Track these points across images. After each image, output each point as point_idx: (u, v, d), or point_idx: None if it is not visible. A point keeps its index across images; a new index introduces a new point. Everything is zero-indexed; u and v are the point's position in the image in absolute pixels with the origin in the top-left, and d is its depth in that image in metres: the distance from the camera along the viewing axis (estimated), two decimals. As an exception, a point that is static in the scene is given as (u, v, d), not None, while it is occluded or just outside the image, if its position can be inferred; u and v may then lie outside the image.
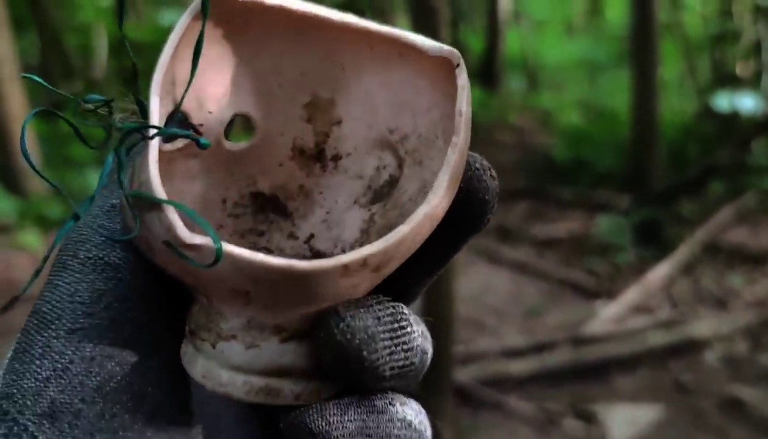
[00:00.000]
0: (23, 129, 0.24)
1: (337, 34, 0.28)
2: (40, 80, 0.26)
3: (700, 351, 2.52)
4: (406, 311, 0.26)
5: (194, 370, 0.26)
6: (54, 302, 0.26)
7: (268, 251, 0.30)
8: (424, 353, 0.26)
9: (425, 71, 0.27)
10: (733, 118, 4.42)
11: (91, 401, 0.25)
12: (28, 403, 0.24)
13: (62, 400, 0.24)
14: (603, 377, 2.39)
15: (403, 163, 0.29)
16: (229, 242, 0.29)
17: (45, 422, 0.24)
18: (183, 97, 0.26)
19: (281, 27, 0.29)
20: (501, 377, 2.37)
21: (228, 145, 0.30)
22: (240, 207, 0.30)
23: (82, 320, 0.25)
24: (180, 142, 0.28)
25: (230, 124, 0.30)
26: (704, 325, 2.65)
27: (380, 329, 0.25)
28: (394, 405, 0.26)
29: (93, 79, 5.32)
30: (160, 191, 0.23)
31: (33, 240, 3.24)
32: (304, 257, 0.30)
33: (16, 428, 0.24)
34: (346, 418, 0.25)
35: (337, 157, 0.30)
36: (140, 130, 0.25)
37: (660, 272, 3.03)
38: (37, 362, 0.25)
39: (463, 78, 0.26)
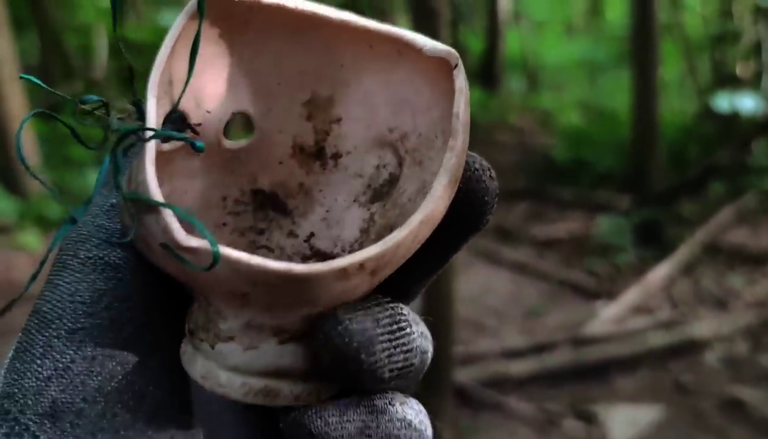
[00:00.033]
0: (19, 132, 0.24)
1: (337, 33, 0.28)
2: (37, 81, 0.26)
3: (701, 352, 2.52)
4: (405, 311, 0.26)
5: (193, 370, 0.26)
6: (54, 302, 0.26)
7: (268, 249, 0.30)
8: (424, 353, 0.26)
9: (424, 71, 0.27)
10: (733, 118, 4.42)
11: (92, 400, 0.25)
12: (30, 402, 0.24)
13: (63, 399, 0.24)
14: (603, 377, 2.39)
15: (403, 162, 0.29)
16: (229, 239, 0.30)
17: (46, 421, 0.24)
18: (180, 97, 0.26)
19: (280, 25, 0.28)
20: (501, 378, 2.37)
21: (228, 143, 0.30)
22: (240, 205, 0.30)
23: (83, 320, 0.25)
24: (182, 135, 0.28)
25: (229, 122, 0.30)
26: (704, 325, 2.65)
27: (378, 331, 0.25)
28: (393, 405, 0.26)
29: (93, 80, 5.32)
30: (156, 193, 0.23)
31: (33, 240, 3.24)
32: (304, 256, 0.30)
33: (17, 427, 0.24)
34: (345, 418, 0.25)
35: (337, 156, 0.30)
36: (136, 132, 0.25)
37: (660, 272, 3.03)
38: (38, 361, 0.25)
39: (460, 80, 0.26)
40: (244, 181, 0.30)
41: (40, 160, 3.62)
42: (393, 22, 0.28)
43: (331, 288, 0.24)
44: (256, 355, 0.25)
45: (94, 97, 0.25)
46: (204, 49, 0.27)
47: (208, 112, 0.29)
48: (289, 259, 0.30)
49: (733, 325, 2.66)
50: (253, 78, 0.29)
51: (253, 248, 0.30)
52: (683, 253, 3.20)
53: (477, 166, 0.27)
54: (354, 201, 0.30)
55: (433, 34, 0.28)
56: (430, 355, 0.27)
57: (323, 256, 0.30)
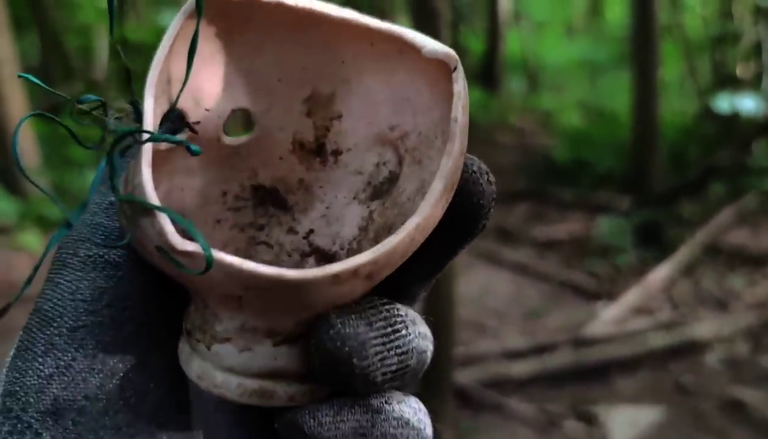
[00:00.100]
0: (15, 135, 0.24)
1: (337, 30, 0.28)
2: (36, 80, 0.26)
3: (701, 353, 2.52)
4: (402, 312, 0.26)
5: (190, 370, 0.26)
6: (55, 300, 0.26)
7: (267, 245, 0.30)
8: (422, 353, 0.26)
9: (424, 71, 0.27)
10: (733, 119, 4.43)
11: (94, 398, 0.25)
12: (31, 400, 0.24)
13: (65, 397, 0.24)
14: (604, 378, 2.39)
15: (403, 160, 0.29)
16: (228, 235, 0.30)
17: (48, 419, 0.24)
18: (178, 97, 0.26)
19: (280, 23, 0.28)
20: (502, 379, 2.37)
21: (228, 140, 0.30)
22: (241, 200, 0.30)
23: (84, 318, 0.25)
24: (178, 138, 0.28)
25: (229, 119, 0.30)
26: (705, 326, 2.65)
27: (372, 335, 0.24)
28: (390, 404, 0.26)
29: (93, 81, 5.32)
30: (152, 197, 0.23)
31: (33, 241, 3.24)
32: (303, 253, 0.30)
33: (19, 425, 0.24)
34: (339, 418, 0.25)
35: (337, 152, 0.30)
36: (133, 134, 0.25)
37: (660, 273, 3.03)
38: (40, 359, 0.25)
39: (459, 83, 0.25)
40: (244, 176, 0.30)
41: (40, 161, 3.62)
42: (393, 23, 0.28)
43: (324, 293, 0.24)
44: (251, 356, 0.25)
45: (92, 97, 0.25)
46: (203, 48, 0.27)
47: (207, 110, 0.29)
48: (289, 255, 0.30)
49: (733, 326, 2.66)
50: (254, 75, 0.29)
51: (252, 244, 0.30)
52: (683, 254, 3.20)
53: (475, 168, 0.27)
54: (354, 198, 0.30)
55: (434, 35, 0.28)
56: (429, 354, 0.27)
57: (322, 253, 0.30)
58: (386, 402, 0.26)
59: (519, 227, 3.78)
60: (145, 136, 0.24)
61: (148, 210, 0.23)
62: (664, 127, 4.11)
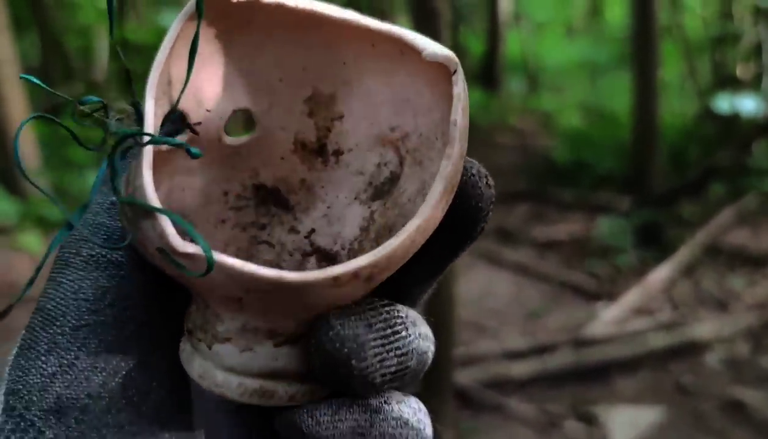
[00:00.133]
0: (16, 137, 0.25)
1: (338, 31, 0.28)
2: (37, 81, 0.26)
3: (701, 353, 2.52)
4: (402, 314, 0.26)
5: (191, 369, 0.26)
6: (58, 300, 0.26)
7: (269, 244, 0.30)
8: (422, 354, 0.26)
9: (425, 72, 0.27)
10: (733, 120, 4.42)
11: (96, 396, 0.25)
12: (34, 399, 0.24)
13: (68, 395, 0.24)
14: (604, 379, 2.39)
15: (404, 161, 0.29)
16: (230, 235, 0.30)
17: (51, 417, 0.24)
18: (179, 98, 0.26)
19: (281, 24, 0.29)
20: (502, 379, 2.36)
21: (229, 140, 0.30)
22: (243, 200, 0.31)
23: (86, 317, 0.25)
24: (180, 138, 0.28)
25: (230, 119, 0.30)
26: (705, 327, 2.65)
27: (371, 336, 0.25)
28: (389, 404, 0.26)
29: (94, 81, 5.33)
30: (153, 198, 0.23)
31: (33, 241, 3.24)
32: (304, 252, 0.30)
33: (23, 423, 0.24)
34: (338, 417, 0.25)
35: (338, 153, 0.30)
36: (134, 136, 0.25)
37: (661, 273, 3.03)
38: (43, 358, 0.25)
39: (458, 86, 0.25)
40: (245, 176, 0.31)
41: (41, 162, 3.62)
42: (393, 23, 0.28)
43: (324, 295, 0.24)
44: (251, 357, 0.25)
45: (94, 99, 0.26)
46: (203, 49, 0.27)
47: (208, 110, 0.29)
48: (290, 255, 0.30)
49: (733, 326, 2.66)
50: (255, 75, 0.30)
51: (254, 243, 0.30)
52: (684, 254, 3.20)
53: (474, 171, 0.27)
54: (355, 198, 0.30)
55: (434, 36, 0.28)
56: (430, 355, 0.27)
57: (323, 253, 0.30)
58: (385, 402, 0.26)
59: (519, 227, 3.78)
60: (146, 138, 0.24)
61: (149, 212, 0.23)
62: (665, 127, 4.11)
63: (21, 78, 0.27)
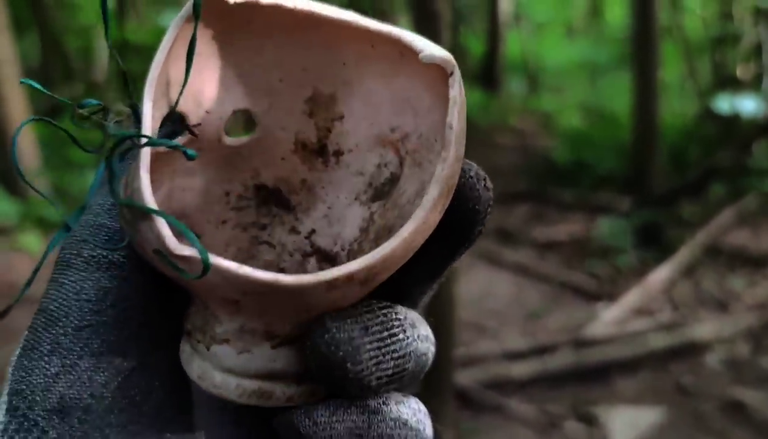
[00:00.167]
0: (14, 139, 0.25)
1: (337, 32, 0.28)
2: (38, 86, 0.26)
3: (702, 354, 2.52)
4: (401, 316, 0.26)
5: (191, 369, 0.26)
6: (60, 300, 0.26)
7: (269, 245, 0.30)
8: (421, 355, 0.26)
9: (424, 74, 0.27)
10: (733, 120, 4.42)
11: (99, 396, 0.25)
12: (38, 399, 0.24)
13: (71, 395, 0.25)
14: (604, 379, 2.39)
15: (404, 162, 0.29)
16: (231, 235, 0.30)
17: (55, 417, 0.24)
18: (178, 99, 0.26)
19: (280, 24, 0.29)
20: (502, 380, 2.36)
21: (229, 140, 0.30)
22: (244, 200, 0.31)
23: (89, 317, 0.26)
24: (180, 140, 0.28)
25: (231, 119, 0.30)
26: (705, 327, 2.65)
27: (367, 339, 0.25)
28: (388, 405, 0.26)
29: (94, 82, 5.33)
30: (150, 201, 0.23)
31: (33, 242, 3.24)
32: (304, 253, 0.30)
33: (26, 423, 0.24)
34: (335, 418, 0.25)
35: (338, 153, 0.30)
36: (131, 138, 0.25)
37: (661, 274, 3.03)
38: (46, 358, 0.25)
39: (455, 89, 0.25)
40: (246, 176, 0.31)
41: (41, 162, 3.62)
42: (394, 24, 0.28)
43: (320, 298, 0.24)
44: (249, 358, 0.26)
45: (93, 102, 0.26)
46: (203, 50, 0.27)
47: (207, 111, 0.29)
48: (290, 255, 0.30)
49: (733, 327, 2.66)
50: (255, 76, 0.30)
51: (255, 244, 0.30)
52: (684, 255, 3.20)
53: (472, 174, 0.27)
54: (355, 199, 0.30)
55: (434, 36, 0.28)
56: (431, 356, 0.27)
57: (323, 254, 0.30)
58: (384, 403, 0.26)
59: (519, 228, 3.78)
60: (144, 140, 0.24)
61: (147, 214, 0.23)
62: (665, 128, 4.11)
63: (21, 82, 0.27)
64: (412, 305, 0.29)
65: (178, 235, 0.23)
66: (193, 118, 0.28)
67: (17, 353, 0.26)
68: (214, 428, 0.29)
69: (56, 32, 5.20)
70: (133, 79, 0.26)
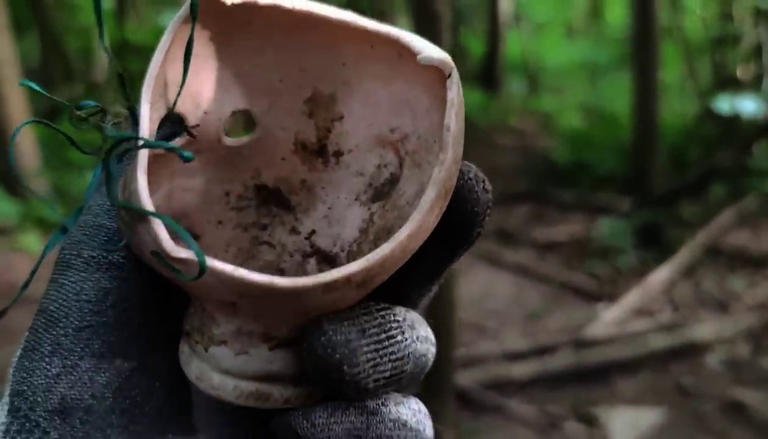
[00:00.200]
0: (12, 142, 0.25)
1: (336, 32, 0.28)
2: (37, 88, 0.26)
3: (702, 354, 2.52)
4: (399, 317, 0.26)
5: (189, 370, 0.26)
6: (61, 301, 0.26)
7: (269, 245, 0.30)
8: (420, 357, 0.26)
9: (422, 75, 0.27)
10: (733, 121, 4.42)
11: (101, 396, 0.25)
12: (39, 399, 0.24)
13: (73, 396, 0.25)
14: (604, 380, 2.39)
15: (404, 163, 0.29)
16: (231, 235, 0.30)
17: (56, 418, 0.24)
18: (176, 101, 0.26)
19: (279, 25, 0.28)
20: (502, 381, 2.36)
21: (229, 140, 0.30)
22: (244, 200, 0.31)
23: (89, 318, 0.26)
24: (179, 141, 0.28)
25: (230, 120, 0.30)
26: (705, 328, 2.65)
27: (364, 341, 0.24)
28: (387, 406, 0.26)
29: (94, 82, 5.33)
30: (147, 203, 0.23)
31: (33, 242, 3.24)
32: (304, 253, 0.30)
33: (27, 424, 0.24)
34: (333, 420, 0.25)
35: (338, 153, 0.30)
36: (129, 139, 0.25)
37: (661, 274, 3.03)
38: (47, 359, 0.25)
39: (453, 91, 0.25)
40: (247, 176, 0.31)
41: (41, 163, 3.62)
42: (393, 24, 0.28)
43: (317, 300, 0.24)
44: (246, 360, 0.26)
45: (91, 103, 0.26)
46: (201, 51, 0.27)
47: (206, 112, 0.29)
48: (290, 256, 0.30)
49: (734, 327, 2.66)
50: (254, 76, 0.30)
51: (255, 244, 0.30)
52: (684, 255, 3.20)
53: (471, 176, 0.27)
54: (355, 199, 0.30)
55: (434, 37, 0.27)
56: (430, 357, 0.26)
57: (323, 254, 0.30)
58: (383, 404, 0.26)
59: (519, 228, 3.78)
60: (141, 142, 0.24)
61: (144, 216, 0.23)
62: (665, 128, 4.11)
63: (21, 84, 0.27)
64: (412, 306, 0.29)
65: (176, 237, 0.23)
66: (191, 119, 0.28)
67: (18, 353, 0.26)
68: (212, 429, 0.29)
69: (56, 32, 5.20)
70: (131, 80, 0.26)
